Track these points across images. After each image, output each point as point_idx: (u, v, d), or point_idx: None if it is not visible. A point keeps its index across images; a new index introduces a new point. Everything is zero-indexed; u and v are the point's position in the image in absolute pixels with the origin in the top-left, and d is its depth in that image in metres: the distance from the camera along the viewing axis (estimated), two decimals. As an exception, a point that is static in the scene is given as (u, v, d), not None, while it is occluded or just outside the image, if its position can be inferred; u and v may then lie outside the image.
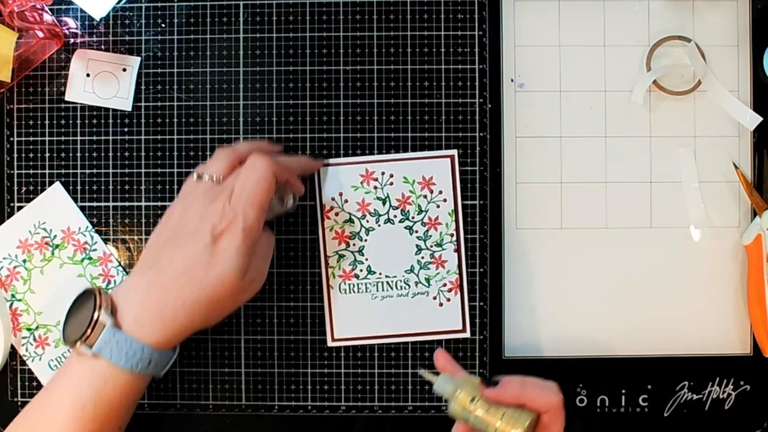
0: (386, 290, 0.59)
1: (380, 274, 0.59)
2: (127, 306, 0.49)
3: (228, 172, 0.52)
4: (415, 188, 0.59)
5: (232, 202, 0.49)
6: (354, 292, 0.59)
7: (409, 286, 0.59)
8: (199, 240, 0.49)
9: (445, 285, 0.59)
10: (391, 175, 0.59)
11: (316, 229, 0.59)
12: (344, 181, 0.59)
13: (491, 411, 0.48)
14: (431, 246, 0.59)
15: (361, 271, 0.59)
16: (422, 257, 0.59)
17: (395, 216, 0.59)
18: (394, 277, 0.59)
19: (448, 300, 0.59)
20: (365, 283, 0.59)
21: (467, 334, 0.59)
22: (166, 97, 0.60)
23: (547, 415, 0.47)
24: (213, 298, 0.49)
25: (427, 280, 0.59)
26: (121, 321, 0.49)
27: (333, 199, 0.59)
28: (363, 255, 0.59)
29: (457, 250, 0.59)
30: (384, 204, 0.59)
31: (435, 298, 0.59)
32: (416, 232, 0.59)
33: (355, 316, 0.59)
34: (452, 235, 0.59)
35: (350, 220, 0.59)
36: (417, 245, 0.59)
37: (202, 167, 0.53)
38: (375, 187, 0.59)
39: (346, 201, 0.59)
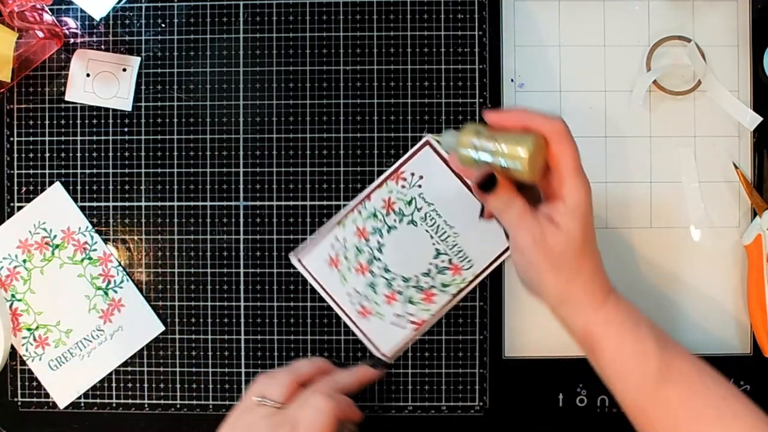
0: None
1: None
2: None
3: (289, 396, 0.51)
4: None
5: None
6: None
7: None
8: None
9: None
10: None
11: (317, 230, 0.59)
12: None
13: (494, 142, 0.46)
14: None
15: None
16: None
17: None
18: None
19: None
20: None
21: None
22: (166, 97, 0.60)
23: (554, 140, 0.46)
24: None
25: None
26: None
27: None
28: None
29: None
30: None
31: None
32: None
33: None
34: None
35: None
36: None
37: (262, 387, 0.51)
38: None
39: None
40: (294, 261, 0.59)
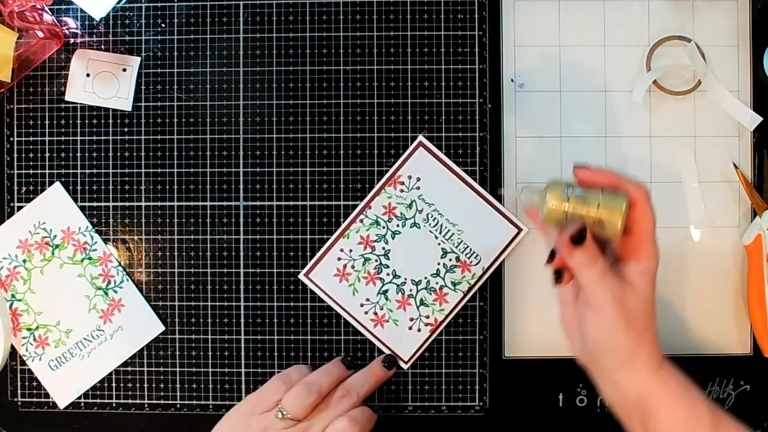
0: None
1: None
2: None
3: (310, 411, 0.53)
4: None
5: None
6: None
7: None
8: None
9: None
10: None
11: (317, 230, 0.59)
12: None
13: (587, 198, 0.47)
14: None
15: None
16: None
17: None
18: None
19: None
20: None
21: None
22: (166, 97, 0.60)
23: (640, 203, 0.47)
24: None
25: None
26: None
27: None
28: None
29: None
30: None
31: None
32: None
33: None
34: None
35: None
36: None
37: (287, 400, 0.53)
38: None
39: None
40: (303, 279, 0.59)
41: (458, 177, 0.59)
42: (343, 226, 0.59)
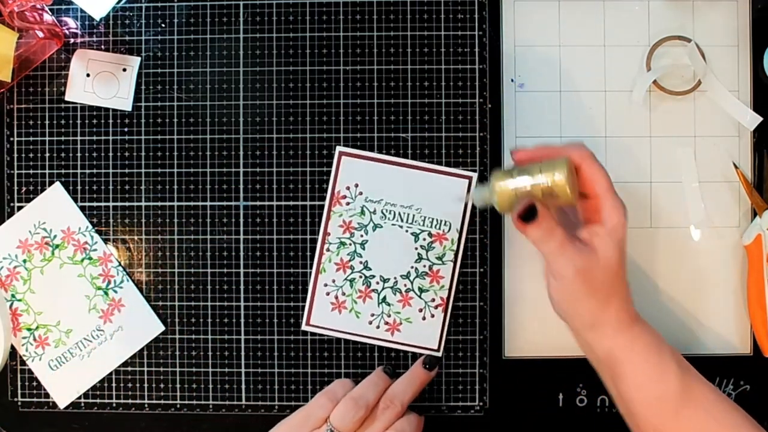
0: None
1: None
2: None
3: (359, 425, 0.53)
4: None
5: None
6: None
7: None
8: None
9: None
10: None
11: (317, 230, 0.59)
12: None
13: (529, 171, 0.48)
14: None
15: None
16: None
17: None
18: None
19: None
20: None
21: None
22: (166, 97, 0.60)
23: (584, 163, 0.47)
24: None
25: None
26: None
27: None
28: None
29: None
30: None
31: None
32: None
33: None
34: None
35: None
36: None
37: (336, 417, 0.52)
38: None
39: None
40: (307, 328, 0.59)
41: (388, 163, 0.59)
42: (315, 263, 0.59)
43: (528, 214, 0.48)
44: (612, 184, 0.47)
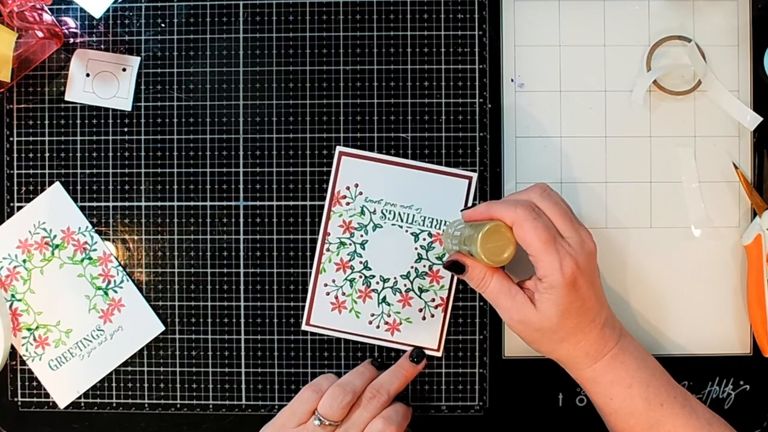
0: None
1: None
2: None
3: (347, 411, 0.53)
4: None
5: None
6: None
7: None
8: None
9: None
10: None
11: (317, 230, 0.59)
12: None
13: (464, 229, 0.52)
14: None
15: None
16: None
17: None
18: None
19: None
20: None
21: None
22: (166, 97, 0.60)
23: (515, 226, 0.48)
24: None
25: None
26: None
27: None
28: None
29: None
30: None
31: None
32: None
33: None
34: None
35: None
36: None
37: (323, 407, 0.53)
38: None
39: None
40: (307, 328, 0.59)
41: (388, 163, 0.59)
42: (315, 263, 0.59)
43: (452, 267, 0.52)
44: (549, 240, 0.48)
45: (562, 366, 0.53)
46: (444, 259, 0.57)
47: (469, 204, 0.59)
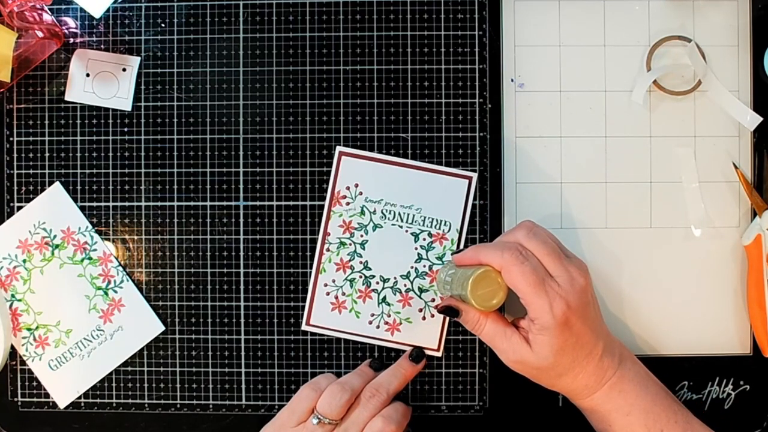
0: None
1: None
2: None
3: (345, 410, 0.53)
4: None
5: None
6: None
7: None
8: None
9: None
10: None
11: (317, 230, 0.59)
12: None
13: (455, 274, 0.52)
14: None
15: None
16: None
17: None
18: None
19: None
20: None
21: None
22: (166, 97, 0.60)
23: (503, 271, 0.49)
24: None
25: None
26: None
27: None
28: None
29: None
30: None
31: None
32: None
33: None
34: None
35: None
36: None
37: (322, 406, 0.53)
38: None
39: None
40: (306, 328, 0.59)
41: (388, 163, 0.59)
42: (315, 263, 0.59)
43: (446, 311, 0.52)
44: (537, 283, 0.48)
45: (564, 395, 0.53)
46: (437, 303, 0.58)
47: (469, 204, 0.59)
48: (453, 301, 0.53)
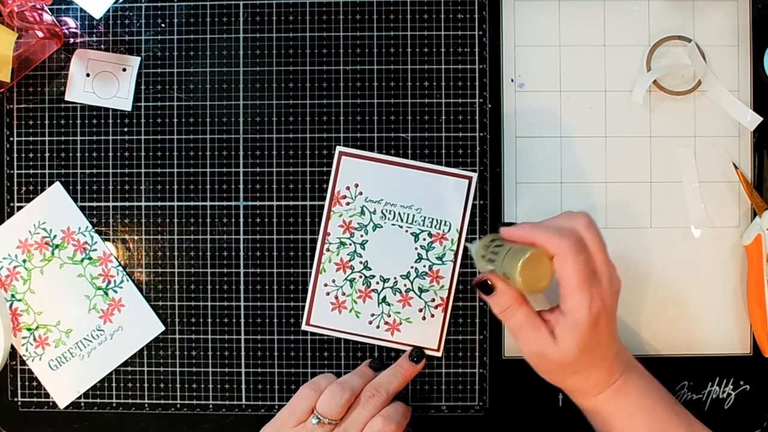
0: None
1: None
2: None
3: (345, 410, 0.53)
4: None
5: None
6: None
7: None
8: None
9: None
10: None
11: (317, 230, 0.59)
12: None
13: (498, 252, 0.49)
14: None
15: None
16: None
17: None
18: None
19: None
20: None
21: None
22: (166, 97, 0.60)
23: (557, 257, 0.47)
24: None
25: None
26: None
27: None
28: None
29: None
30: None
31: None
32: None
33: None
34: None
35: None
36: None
37: (321, 406, 0.53)
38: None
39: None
40: (306, 328, 0.59)
41: (388, 163, 0.59)
42: (315, 263, 0.59)
43: (482, 287, 0.50)
44: (585, 278, 0.47)
45: (565, 393, 0.53)
46: (476, 275, 0.56)
47: (469, 204, 0.59)
48: (493, 278, 0.50)
